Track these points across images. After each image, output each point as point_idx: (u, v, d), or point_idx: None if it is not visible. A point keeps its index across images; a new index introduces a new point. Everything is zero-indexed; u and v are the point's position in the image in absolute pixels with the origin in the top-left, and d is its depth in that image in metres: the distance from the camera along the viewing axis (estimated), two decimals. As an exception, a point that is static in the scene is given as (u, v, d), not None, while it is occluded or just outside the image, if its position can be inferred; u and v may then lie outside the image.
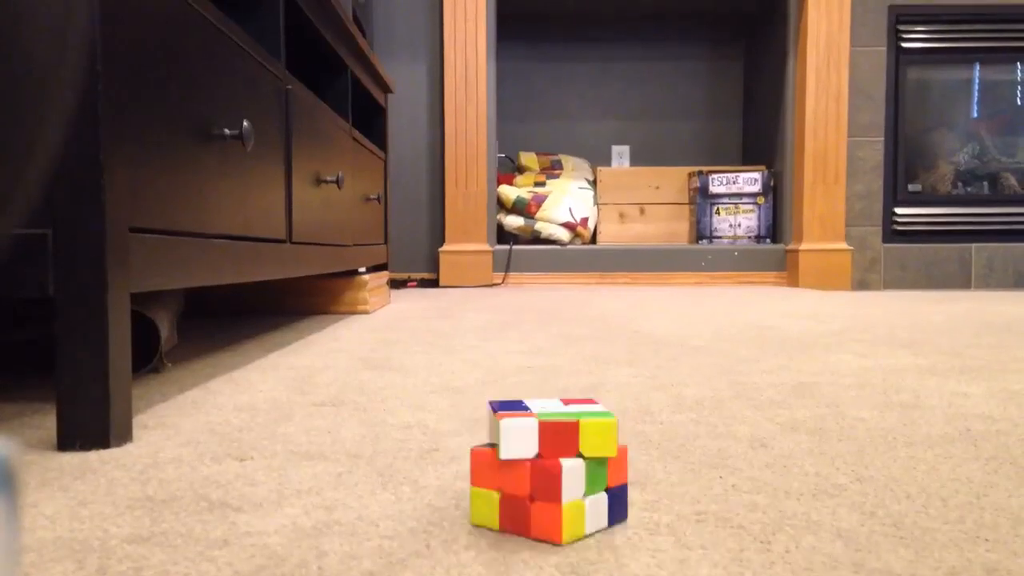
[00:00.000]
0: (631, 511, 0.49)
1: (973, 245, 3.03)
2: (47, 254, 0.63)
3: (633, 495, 0.52)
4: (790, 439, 0.67)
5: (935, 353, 1.19)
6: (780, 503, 0.51)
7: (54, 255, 0.63)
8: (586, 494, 0.45)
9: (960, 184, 3.08)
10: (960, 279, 3.03)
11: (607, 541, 0.44)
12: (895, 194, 3.03)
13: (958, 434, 0.69)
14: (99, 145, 0.62)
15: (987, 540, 0.45)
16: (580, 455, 0.44)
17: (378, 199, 2.04)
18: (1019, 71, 3.05)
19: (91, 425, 0.64)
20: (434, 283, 3.13)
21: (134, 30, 0.70)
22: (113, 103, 0.64)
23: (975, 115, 3.08)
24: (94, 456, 0.62)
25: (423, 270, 3.17)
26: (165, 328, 1.05)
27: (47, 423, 0.74)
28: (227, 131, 0.91)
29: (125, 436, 0.67)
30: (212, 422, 0.74)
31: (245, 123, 0.93)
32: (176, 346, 1.28)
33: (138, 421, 0.75)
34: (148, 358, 1.02)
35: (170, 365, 1.08)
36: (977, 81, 3.06)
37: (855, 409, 0.80)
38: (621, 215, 3.22)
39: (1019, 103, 3.07)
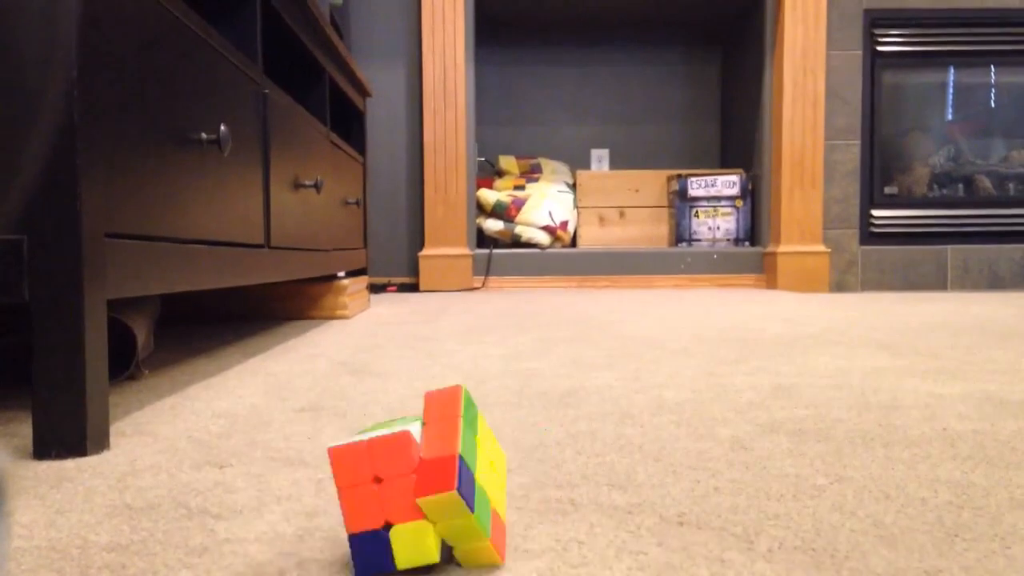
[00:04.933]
0: (614, 514, 0.49)
1: (949, 247, 3.06)
2: (22, 260, 0.62)
3: (615, 498, 0.52)
4: (770, 440, 0.68)
5: (912, 354, 1.20)
6: (761, 504, 0.51)
7: (29, 261, 0.62)
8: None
9: (936, 186, 3.12)
10: (936, 280, 3.07)
11: (589, 544, 0.44)
12: (871, 197, 3.06)
13: (935, 434, 0.70)
14: (75, 151, 0.62)
15: (966, 539, 0.45)
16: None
17: (357, 203, 2.04)
18: (992, 74, 3.09)
19: (67, 433, 0.63)
20: (414, 288, 3.13)
21: (110, 35, 0.69)
22: (89, 109, 0.64)
23: (950, 118, 3.12)
24: (71, 464, 0.61)
25: (403, 275, 3.16)
26: (142, 334, 1.04)
27: (22, 431, 0.73)
28: (204, 136, 0.91)
29: (102, 444, 0.66)
30: (190, 429, 0.74)
31: (222, 128, 0.93)
32: (153, 352, 1.27)
33: (115, 428, 0.74)
34: (125, 365, 1.01)
35: (147, 372, 1.07)
36: (951, 84, 3.10)
37: (833, 410, 0.80)
38: (601, 218, 3.23)
39: (993, 106, 3.11)
